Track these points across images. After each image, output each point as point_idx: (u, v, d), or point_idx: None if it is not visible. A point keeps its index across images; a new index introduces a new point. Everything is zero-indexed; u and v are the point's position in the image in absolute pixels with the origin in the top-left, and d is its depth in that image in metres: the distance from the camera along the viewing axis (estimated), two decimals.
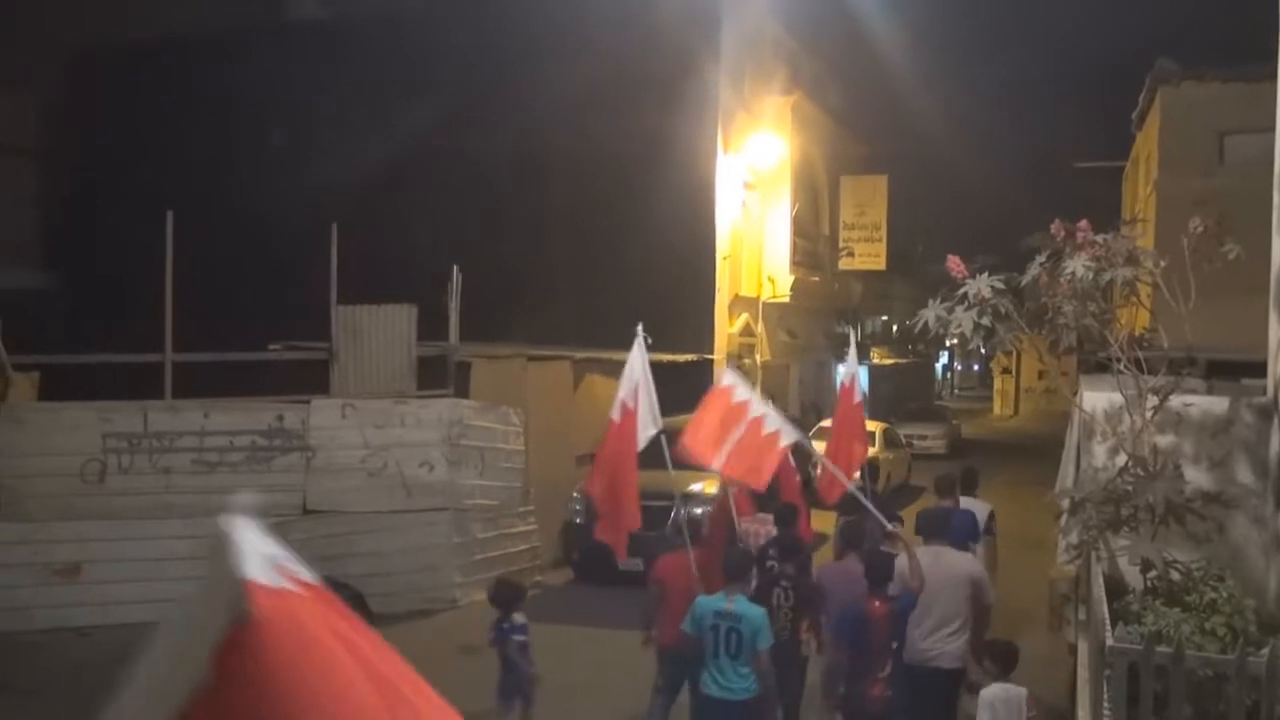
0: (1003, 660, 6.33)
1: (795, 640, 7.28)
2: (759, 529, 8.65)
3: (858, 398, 10.09)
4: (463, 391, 13.12)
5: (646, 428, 8.19)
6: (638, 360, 8.36)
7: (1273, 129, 9.06)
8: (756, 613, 6.51)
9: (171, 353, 12.30)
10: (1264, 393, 8.59)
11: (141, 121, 22.08)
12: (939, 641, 7.09)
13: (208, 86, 21.82)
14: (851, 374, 10.10)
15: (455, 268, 13.29)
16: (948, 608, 7.09)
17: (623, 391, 8.15)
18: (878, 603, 6.52)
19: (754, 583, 7.13)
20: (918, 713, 6.68)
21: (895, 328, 42.27)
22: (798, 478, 9.64)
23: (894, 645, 6.49)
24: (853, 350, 11.44)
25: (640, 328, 8.16)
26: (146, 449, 11.55)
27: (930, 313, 7.34)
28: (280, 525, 11.64)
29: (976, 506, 9.44)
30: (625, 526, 8.23)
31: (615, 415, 8.13)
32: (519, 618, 7.63)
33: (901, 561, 6.88)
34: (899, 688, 6.46)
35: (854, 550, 7.69)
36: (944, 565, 7.12)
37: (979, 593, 7.33)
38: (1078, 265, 7.05)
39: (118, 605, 10.94)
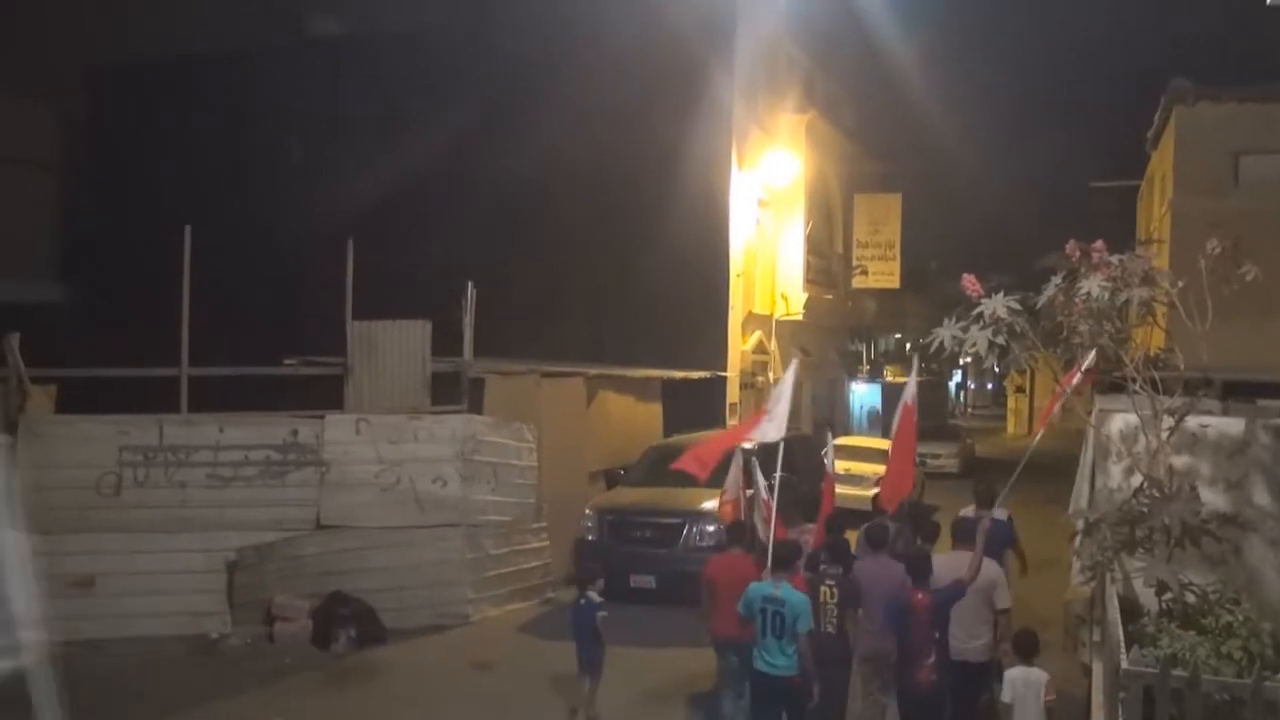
0: (1023, 646, 7.09)
1: (843, 633, 7.82)
2: (806, 538, 9.02)
3: (915, 417, 10.43)
4: (476, 407, 13.14)
5: (769, 430, 8.97)
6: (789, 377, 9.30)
7: None
8: (798, 599, 7.25)
9: (187, 366, 12.36)
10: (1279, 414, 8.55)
11: (160, 136, 22.27)
12: (965, 637, 7.64)
13: (226, 102, 21.99)
14: (913, 394, 10.54)
15: (469, 284, 13.33)
16: (971, 607, 7.59)
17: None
18: (920, 595, 7.25)
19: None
20: (951, 700, 7.39)
21: (909, 346, 42.17)
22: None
23: (935, 635, 7.23)
24: (914, 373, 11.88)
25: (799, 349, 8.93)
26: (162, 462, 11.58)
27: (945, 332, 7.33)
28: (293, 540, 11.69)
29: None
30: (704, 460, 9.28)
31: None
32: (595, 595, 8.52)
33: (960, 558, 7.63)
34: (942, 675, 7.21)
35: (879, 551, 8.20)
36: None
37: (997, 595, 7.88)
38: (1093, 285, 7.04)
39: (131, 618, 10.98)
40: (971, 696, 7.76)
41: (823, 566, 8.08)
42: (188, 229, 12.36)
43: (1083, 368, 7.84)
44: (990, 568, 7.85)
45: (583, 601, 8.58)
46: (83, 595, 10.96)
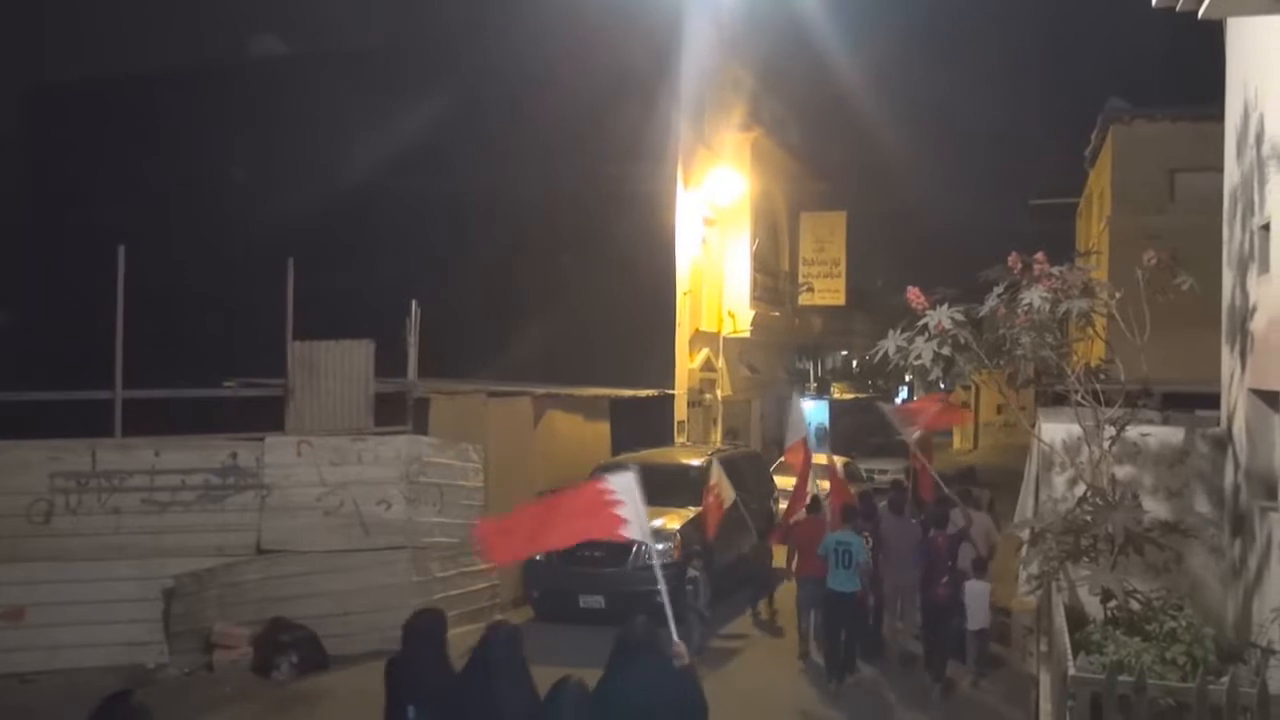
0: (977, 567, 10.67)
1: (875, 566, 11.20)
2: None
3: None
4: (421, 428, 12.96)
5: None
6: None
7: (1221, 167, 9.25)
8: (858, 540, 10.87)
9: (122, 389, 12.04)
10: (1218, 423, 8.70)
11: (96, 156, 21.84)
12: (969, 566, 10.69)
13: (165, 122, 21.64)
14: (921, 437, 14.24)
15: (414, 303, 13.17)
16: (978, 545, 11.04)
17: None
18: (939, 539, 10.81)
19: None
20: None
21: (855, 363, 42.50)
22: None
23: (949, 564, 10.56)
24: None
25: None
26: (95, 488, 11.24)
27: (890, 343, 7.37)
28: (233, 566, 11.41)
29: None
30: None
31: None
32: (693, 571, 11.57)
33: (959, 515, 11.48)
34: (953, 590, 10.48)
35: (898, 514, 11.93)
36: (974, 520, 11.49)
37: (991, 538, 11.75)
38: (1035, 296, 7.11)
39: (65, 649, 10.63)
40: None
41: (860, 523, 11.55)
42: (121, 249, 12.07)
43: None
44: (984, 518, 12.03)
45: (692, 572, 11.68)
46: (13, 627, 10.61)
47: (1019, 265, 7.37)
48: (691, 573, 11.43)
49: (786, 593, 12.76)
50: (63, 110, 23.08)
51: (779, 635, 12.79)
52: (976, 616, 10.46)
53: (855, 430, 30.23)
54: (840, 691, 10.53)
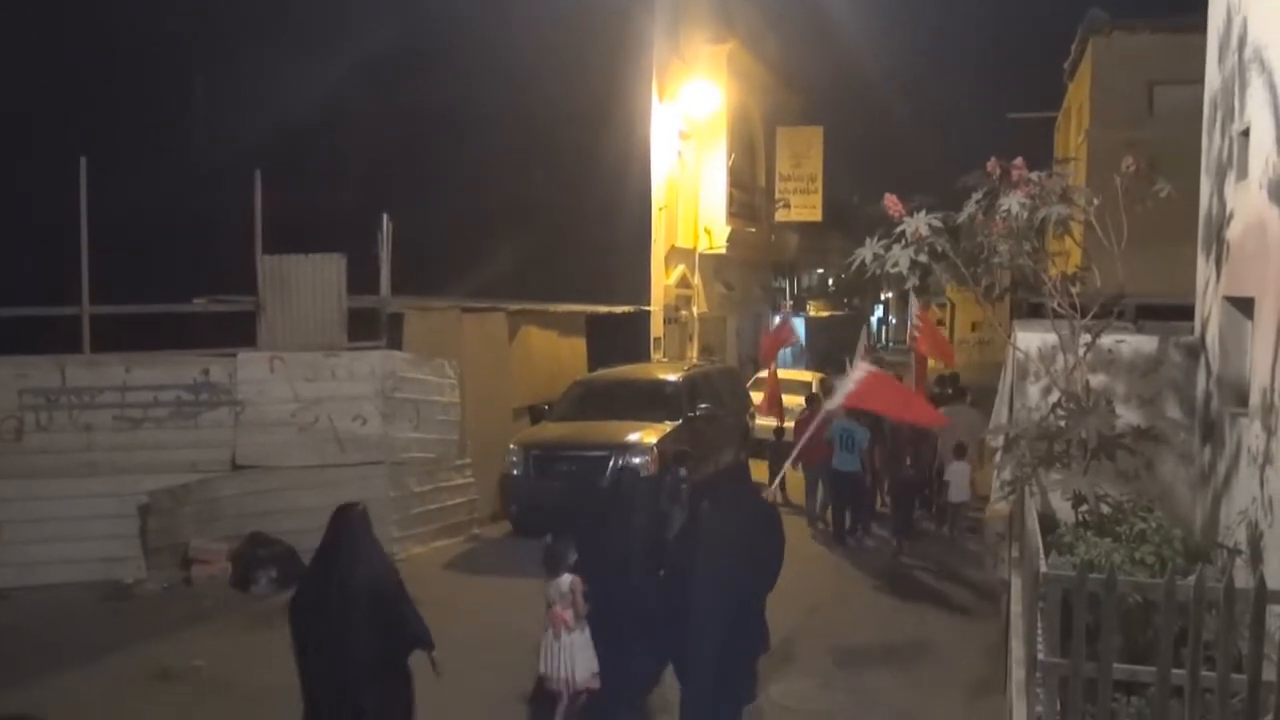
0: (957, 451, 12.62)
1: (872, 456, 13.35)
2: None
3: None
4: (396, 344, 12.86)
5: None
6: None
7: (1200, 80, 9.15)
8: (861, 429, 12.84)
9: (89, 305, 11.85)
10: (1191, 333, 8.73)
11: (57, 65, 21.19)
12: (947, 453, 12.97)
13: (126, 27, 20.95)
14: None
15: (385, 217, 12.97)
16: (967, 436, 12.80)
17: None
18: (904, 429, 12.68)
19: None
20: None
21: (831, 281, 42.52)
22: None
23: (909, 450, 13.13)
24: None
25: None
26: (66, 405, 11.14)
27: (867, 250, 7.31)
28: (209, 482, 11.37)
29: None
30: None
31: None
32: (682, 471, 12.35)
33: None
34: (915, 472, 13.38)
35: None
36: (962, 414, 13.20)
37: (977, 430, 12.70)
38: (1013, 203, 7.04)
39: (39, 566, 10.63)
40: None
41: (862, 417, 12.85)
42: (83, 160, 11.80)
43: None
44: (974, 413, 13.41)
45: (672, 476, 12.38)
46: None
47: (997, 170, 7.29)
48: (681, 472, 12.41)
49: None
50: (19, 17, 22.32)
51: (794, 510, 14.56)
52: (958, 491, 12.76)
53: (830, 347, 30.29)
54: (843, 548, 13.01)
